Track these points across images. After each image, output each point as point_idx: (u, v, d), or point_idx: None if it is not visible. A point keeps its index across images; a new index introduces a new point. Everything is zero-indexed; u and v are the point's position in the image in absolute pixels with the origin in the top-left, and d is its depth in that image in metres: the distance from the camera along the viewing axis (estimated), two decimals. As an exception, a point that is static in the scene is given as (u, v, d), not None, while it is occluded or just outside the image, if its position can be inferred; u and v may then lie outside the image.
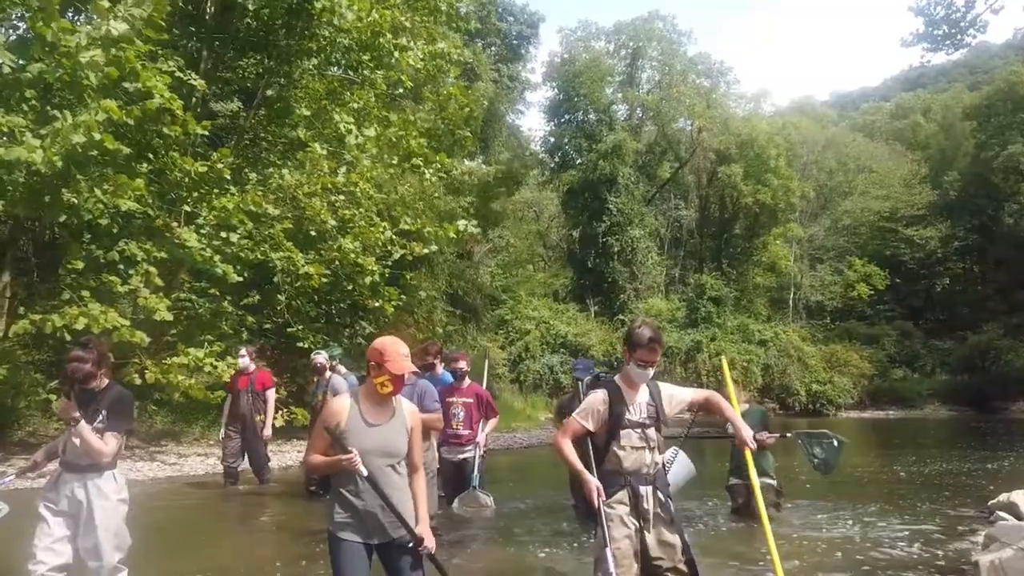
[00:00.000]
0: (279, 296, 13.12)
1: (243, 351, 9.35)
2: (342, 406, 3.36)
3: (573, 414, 3.95)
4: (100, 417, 3.98)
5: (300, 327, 13.37)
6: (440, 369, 7.13)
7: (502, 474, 8.68)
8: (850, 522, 6.70)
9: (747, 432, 3.95)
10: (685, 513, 7.05)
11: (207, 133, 11.10)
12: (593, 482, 3.77)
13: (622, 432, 3.85)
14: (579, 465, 3.83)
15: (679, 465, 4.99)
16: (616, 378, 4.01)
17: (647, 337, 3.83)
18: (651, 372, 3.91)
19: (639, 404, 3.92)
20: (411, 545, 3.33)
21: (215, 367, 10.67)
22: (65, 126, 8.20)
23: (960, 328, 37.56)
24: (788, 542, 5.81)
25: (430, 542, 3.36)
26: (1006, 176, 38.82)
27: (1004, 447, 15.26)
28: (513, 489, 8.12)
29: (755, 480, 4.17)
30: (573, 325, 29.20)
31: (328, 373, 8.43)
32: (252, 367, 9.24)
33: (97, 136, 8.37)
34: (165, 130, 10.53)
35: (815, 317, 38.31)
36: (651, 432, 3.92)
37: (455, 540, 5.80)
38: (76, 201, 9.43)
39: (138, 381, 10.55)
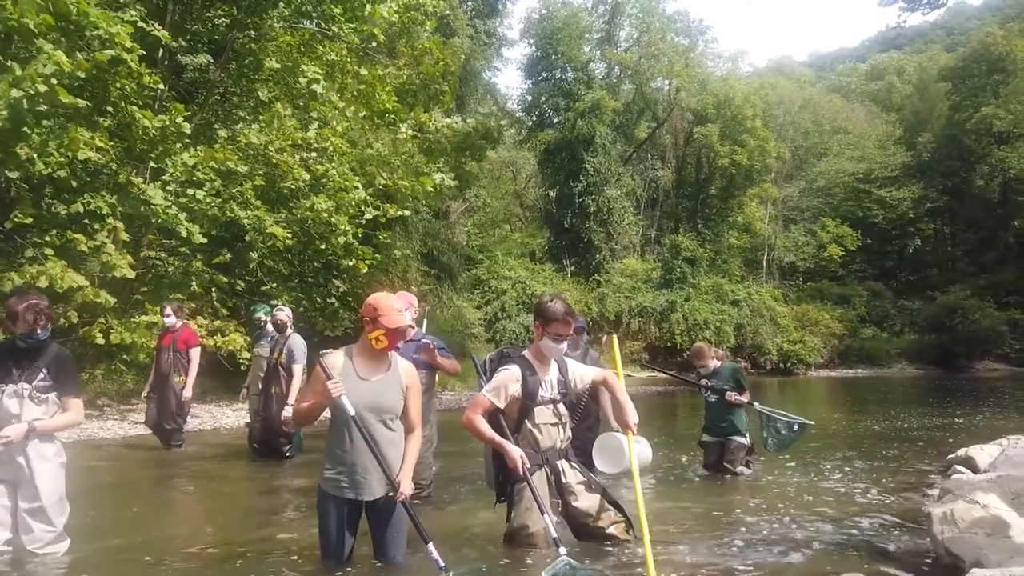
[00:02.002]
0: (251, 255, 12.92)
1: (167, 309, 8.57)
2: (336, 361, 3.42)
3: (483, 390, 3.89)
4: (41, 375, 3.78)
5: (273, 286, 13.22)
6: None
7: (464, 433, 8.49)
8: (819, 473, 6.83)
9: (632, 415, 3.95)
10: (661, 465, 7.17)
11: (162, 86, 10.74)
12: (517, 451, 3.72)
13: (536, 409, 3.85)
14: (497, 437, 3.78)
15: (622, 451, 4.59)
16: (526, 353, 3.97)
17: (562, 311, 3.83)
18: (564, 347, 3.93)
19: (551, 380, 3.93)
20: (390, 495, 3.37)
21: (184, 326, 10.49)
22: (4, 80, 7.88)
23: (929, 288, 38.29)
24: (758, 492, 5.97)
25: (407, 489, 3.39)
26: (979, 138, 39.16)
27: (970, 404, 15.61)
28: (474, 448, 7.87)
29: (635, 467, 4.06)
30: (549, 285, 29.17)
31: (288, 330, 7.81)
32: (178, 324, 8.58)
33: (43, 88, 8.04)
34: (120, 82, 10.18)
35: (788, 277, 38.75)
36: (562, 408, 3.95)
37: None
38: (34, 155, 9.13)
39: (101, 341, 10.34)
